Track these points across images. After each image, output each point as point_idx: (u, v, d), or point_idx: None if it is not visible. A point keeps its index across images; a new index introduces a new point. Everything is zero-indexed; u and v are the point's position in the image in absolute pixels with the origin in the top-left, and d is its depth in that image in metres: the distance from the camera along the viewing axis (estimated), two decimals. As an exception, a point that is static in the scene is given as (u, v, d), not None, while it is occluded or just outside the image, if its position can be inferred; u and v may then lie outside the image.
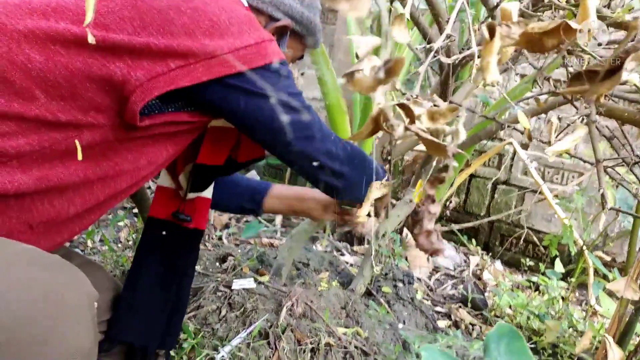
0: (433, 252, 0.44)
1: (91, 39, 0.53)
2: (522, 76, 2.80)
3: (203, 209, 1.23)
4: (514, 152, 2.83)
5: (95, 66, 0.82)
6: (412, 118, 0.36)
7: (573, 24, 0.39)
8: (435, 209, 0.43)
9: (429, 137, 0.37)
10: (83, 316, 0.79)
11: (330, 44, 3.01)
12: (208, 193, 1.24)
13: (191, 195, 1.21)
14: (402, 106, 0.36)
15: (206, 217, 1.24)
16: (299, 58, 1.20)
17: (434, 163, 1.83)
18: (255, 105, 0.93)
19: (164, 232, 1.19)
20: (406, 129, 0.37)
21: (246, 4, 1.01)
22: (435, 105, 0.39)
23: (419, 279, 2.28)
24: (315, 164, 1.01)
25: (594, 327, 1.85)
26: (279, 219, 2.61)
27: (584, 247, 2.12)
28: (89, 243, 2.09)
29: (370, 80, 0.39)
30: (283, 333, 1.35)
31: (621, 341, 1.36)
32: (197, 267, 1.70)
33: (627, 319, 1.36)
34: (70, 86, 0.82)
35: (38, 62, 0.81)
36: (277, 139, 0.99)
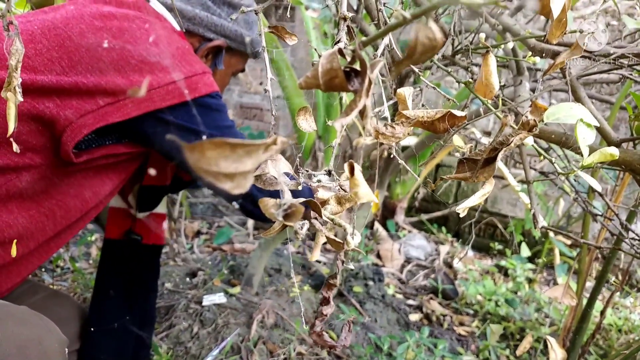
0: (331, 347, 0.46)
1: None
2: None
3: (158, 225, 1.25)
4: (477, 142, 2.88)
5: (25, 108, 0.82)
6: (318, 211, 0.38)
7: (457, 112, 0.41)
8: (328, 310, 0.45)
9: (331, 236, 0.39)
10: None
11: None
12: (162, 209, 1.25)
13: (143, 214, 1.22)
14: (310, 202, 0.38)
15: (162, 232, 1.26)
16: (240, 71, 1.21)
17: (397, 164, 1.87)
18: (181, 138, 0.93)
19: (120, 252, 1.21)
20: (311, 226, 0.39)
21: (178, 29, 1.01)
22: (342, 188, 0.40)
23: (392, 274, 2.33)
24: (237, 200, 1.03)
25: (557, 312, 1.93)
26: (250, 222, 2.61)
27: (548, 230, 2.20)
28: (60, 262, 2.08)
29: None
30: (255, 346, 1.38)
31: (580, 323, 1.42)
32: (168, 285, 1.71)
33: (585, 302, 1.43)
34: (4, 131, 0.82)
35: None
36: None
